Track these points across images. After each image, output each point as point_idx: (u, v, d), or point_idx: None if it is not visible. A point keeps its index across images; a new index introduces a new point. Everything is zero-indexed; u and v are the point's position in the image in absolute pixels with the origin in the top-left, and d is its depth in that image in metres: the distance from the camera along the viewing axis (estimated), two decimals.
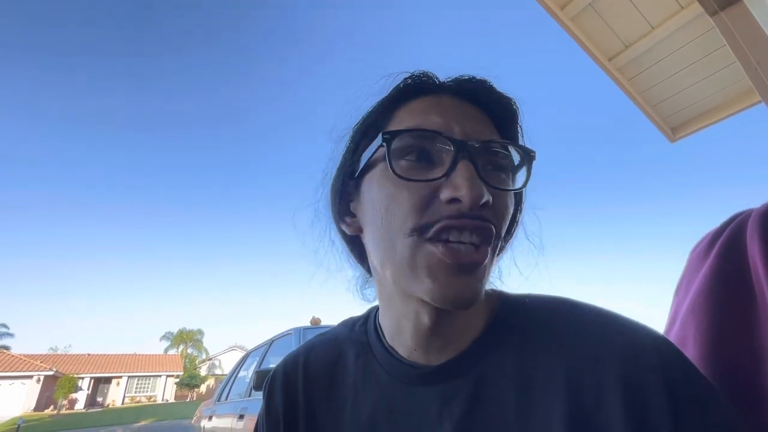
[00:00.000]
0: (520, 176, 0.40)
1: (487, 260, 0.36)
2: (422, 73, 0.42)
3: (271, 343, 3.87)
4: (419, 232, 0.35)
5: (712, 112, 2.05)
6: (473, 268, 0.35)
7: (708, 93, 1.96)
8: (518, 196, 0.43)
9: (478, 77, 0.42)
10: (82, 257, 71.14)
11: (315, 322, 3.44)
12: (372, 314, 0.49)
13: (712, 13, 1.32)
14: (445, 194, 0.35)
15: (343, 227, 0.45)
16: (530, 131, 0.44)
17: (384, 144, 0.36)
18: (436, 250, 0.34)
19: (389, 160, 0.36)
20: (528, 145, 0.41)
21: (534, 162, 0.39)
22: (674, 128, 2.23)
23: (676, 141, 2.25)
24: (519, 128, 0.43)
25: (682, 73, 1.90)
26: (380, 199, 0.38)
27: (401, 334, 0.41)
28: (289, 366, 0.49)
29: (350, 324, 0.51)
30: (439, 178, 0.35)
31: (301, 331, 3.22)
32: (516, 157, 0.40)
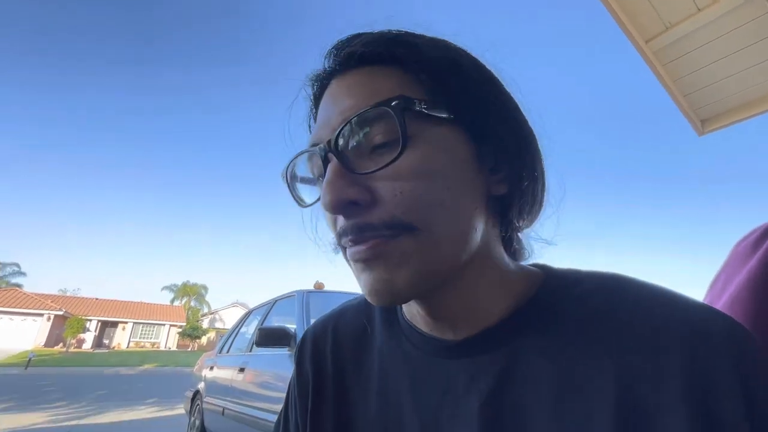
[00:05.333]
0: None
1: (391, 246, 0.31)
2: (315, 73, 0.39)
3: (274, 302, 3.96)
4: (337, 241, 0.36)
5: (748, 106, 1.95)
6: (370, 258, 0.32)
7: (747, 85, 1.86)
8: (515, 137, 0.36)
9: (351, 35, 0.37)
10: (92, 207, 72.36)
11: (318, 286, 3.49)
12: None
13: None
14: None
15: None
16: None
17: (287, 182, 0.38)
18: (345, 253, 0.35)
19: (293, 196, 0.39)
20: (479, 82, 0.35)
21: (404, 111, 0.31)
22: (704, 120, 2.14)
23: (704, 134, 2.16)
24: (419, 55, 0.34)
25: (723, 61, 1.79)
26: None
27: (414, 314, 0.41)
28: (319, 332, 0.50)
29: None
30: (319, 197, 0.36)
31: (304, 294, 3.28)
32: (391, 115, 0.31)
